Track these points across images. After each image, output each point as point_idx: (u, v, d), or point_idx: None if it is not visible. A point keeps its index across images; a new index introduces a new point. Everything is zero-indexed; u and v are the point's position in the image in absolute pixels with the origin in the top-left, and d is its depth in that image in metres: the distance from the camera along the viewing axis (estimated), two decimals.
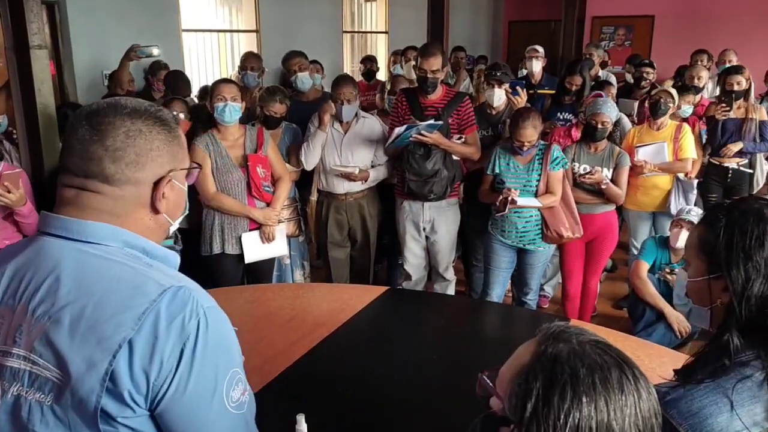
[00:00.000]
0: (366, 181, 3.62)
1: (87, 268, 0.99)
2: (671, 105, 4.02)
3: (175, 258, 1.12)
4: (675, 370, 1.18)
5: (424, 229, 3.68)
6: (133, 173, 1.04)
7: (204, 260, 3.32)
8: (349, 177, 3.57)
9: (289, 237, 3.65)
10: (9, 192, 2.68)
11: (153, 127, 1.05)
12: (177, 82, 4.53)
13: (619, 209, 4.26)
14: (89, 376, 0.93)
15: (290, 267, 3.83)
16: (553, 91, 4.74)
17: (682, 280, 1.29)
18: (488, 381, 0.89)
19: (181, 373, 0.95)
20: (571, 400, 0.76)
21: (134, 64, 4.75)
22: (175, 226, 1.16)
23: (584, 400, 0.76)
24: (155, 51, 4.32)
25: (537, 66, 5.16)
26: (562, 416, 0.76)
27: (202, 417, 0.99)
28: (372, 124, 3.69)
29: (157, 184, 1.06)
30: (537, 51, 5.20)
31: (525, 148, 3.27)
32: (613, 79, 5.91)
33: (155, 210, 1.08)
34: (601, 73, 6.14)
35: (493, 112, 3.87)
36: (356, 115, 3.64)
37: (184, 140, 1.14)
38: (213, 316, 1.00)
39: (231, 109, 3.15)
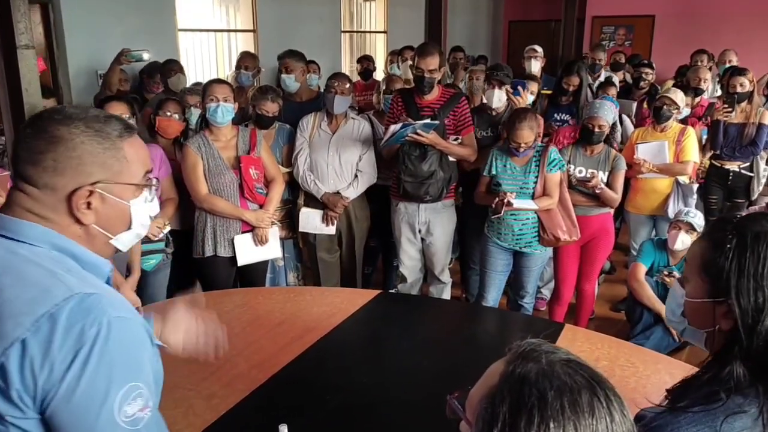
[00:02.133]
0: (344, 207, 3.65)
1: (7, 266, 1.01)
2: (675, 111, 3.98)
3: (107, 267, 1.12)
4: (667, 390, 1.13)
5: (419, 230, 3.63)
6: (50, 179, 1.04)
7: (196, 263, 3.28)
8: (334, 209, 3.60)
9: (282, 239, 3.62)
10: None
11: (80, 136, 1.04)
12: (171, 67, 4.53)
13: (620, 211, 4.22)
14: None
15: (284, 269, 3.80)
16: (551, 91, 4.70)
17: (678, 297, 1.19)
18: (457, 404, 0.84)
19: (70, 380, 0.94)
20: (538, 426, 0.72)
21: (131, 65, 4.73)
22: (120, 243, 1.14)
23: (552, 425, 0.71)
24: (145, 55, 4.31)
25: (536, 66, 5.12)
26: None
27: (88, 427, 0.97)
28: (361, 126, 3.65)
29: (74, 193, 1.05)
30: (536, 51, 5.17)
31: (521, 150, 3.23)
32: (615, 80, 5.86)
33: (77, 220, 1.06)
34: (603, 75, 6.10)
35: (494, 113, 3.82)
36: (346, 114, 3.61)
37: (133, 153, 1.10)
38: (118, 326, 0.99)
39: (223, 110, 3.12)
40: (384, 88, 4.37)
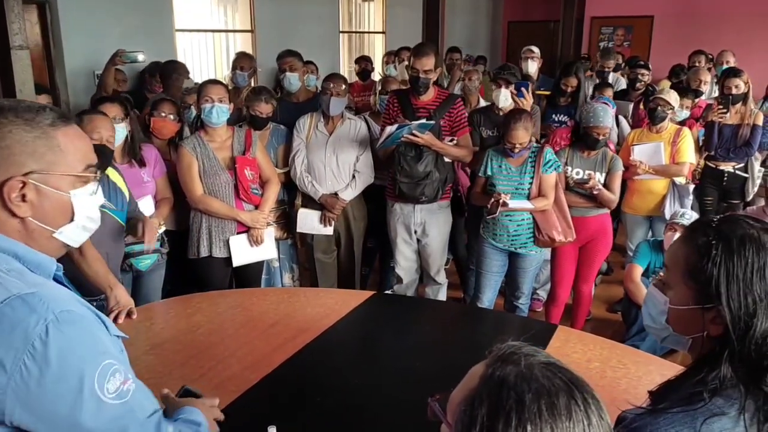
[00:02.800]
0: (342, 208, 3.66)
1: None
2: (669, 112, 3.98)
3: (51, 265, 1.10)
4: (650, 392, 1.12)
5: (415, 231, 3.63)
6: None
7: (191, 263, 3.28)
8: (333, 210, 3.61)
9: (278, 240, 3.62)
10: None
11: (8, 125, 1.01)
12: (178, 69, 4.50)
13: (617, 212, 4.22)
14: None
15: (279, 270, 3.80)
16: (549, 92, 4.70)
17: (660, 304, 1.15)
18: (438, 407, 0.84)
19: (34, 379, 0.93)
20: (515, 428, 0.72)
21: (131, 65, 4.72)
22: (65, 237, 1.11)
23: (529, 428, 0.71)
24: (140, 57, 4.30)
25: (533, 67, 5.12)
26: None
27: (75, 414, 0.97)
28: (358, 126, 3.65)
29: (4, 184, 1.01)
30: (533, 52, 5.17)
31: (516, 150, 3.23)
32: (622, 83, 5.85)
33: (13, 213, 1.03)
34: (611, 77, 6.09)
35: (500, 113, 3.81)
36: (343, 115, 3.61)
37: (69, 144, 1.07)
38: (65, 318, 0.98)
39: (218, 111, 3.12)
40: (380, 89, 4.37)
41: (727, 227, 1.07)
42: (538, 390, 0.74)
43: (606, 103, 3.79)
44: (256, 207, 3.28)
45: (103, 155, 2.59)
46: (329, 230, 3.68)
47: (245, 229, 3.26)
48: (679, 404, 1.01)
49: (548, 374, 0.76)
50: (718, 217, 1.13)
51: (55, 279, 1.12)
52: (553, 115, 4.46)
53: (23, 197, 1.02)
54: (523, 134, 3.19)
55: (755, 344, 1.02)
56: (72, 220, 1.10)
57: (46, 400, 0.95)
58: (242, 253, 3.28)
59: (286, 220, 3.66)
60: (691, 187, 4.07)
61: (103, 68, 4.40)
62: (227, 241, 3.23)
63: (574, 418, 0.73)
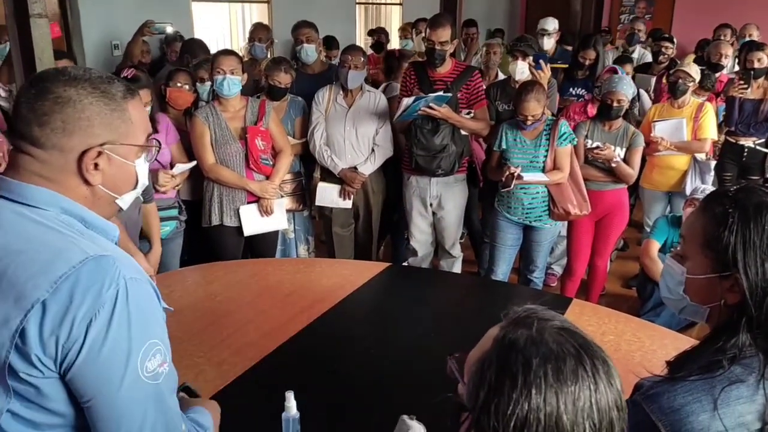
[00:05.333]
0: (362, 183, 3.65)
1: (18, 229, 1.02)
2: (690, 84, 3.91)
3: (114, 231, 1.13)
4: (667, 362, 1.13)
5: (431, 204, 3.63)
6: (59, 140, 1.03)
7: (205, 232, 3.31)
8: (352, 184, 3.61)
9: (293, 211, 3.63)
10: None
11: (88, 97, 1.04)
12: (193, 48, 4.48)
13: (635, 188, 4.19)
14: (2, 331, 0.96)
15: (294, 241, 3.82)
16: (566, 65, 4.63)
17: (677, 275, 1.16)
18: (456, 365, 0.86)
19: (93, 341, 0.96)
20: (520, 391, 0.73)
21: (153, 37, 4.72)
22: (124, 202, 1.15)
23: (533, 391, 0.73)
24: (169, 29, 4.31)
25: (549, 43, 5.03)
26: (511, 406, 0.73)
27: (115, 383, 0.99)
28: (377, 98, 3.63)
29: (84, 154, 1.05)
30: (546, 29, 5.07)
31: (529, 122, 3.19)
32: (648, 57, 5.76)
33: (86, 181, 1.07)
34: (637, 51, 6.00)
35: (516, 86, 3.76)
36: (362, 88, 3.59)
37: (137, 115, 1.11)
38: (134, 287, 1.01)
39: (230, 82, 3.12)
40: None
41: (743, 196, 1.08)
42: (546, 354, 0.75)
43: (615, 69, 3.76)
44: (267, 177, 3.29)
45: None
46: (348, 204, 3.70)
47: (256, 198, 3.28)
48: (698, 372, 1.02)
49: (559, 339, 0.77)
50: (734, 187, 1.13)
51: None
52: (571, 89, 4.40)
53: (96, 166, 1.06)
54: (535, 106, 3.15)
55: None
56: (135, 187, 1.15)
57: (98, 362, 0.98)
58: (253, 222, 3.31)
59: (301, 192, 3.67)
60: (713, 163, 4.02)
61: (132, 38, 4.38)
62: (238, 210, 3.25)
63: (580, 383, 0.74)
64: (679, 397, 1.01)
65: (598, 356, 0.77)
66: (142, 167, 1.15)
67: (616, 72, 3.71)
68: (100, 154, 1.06)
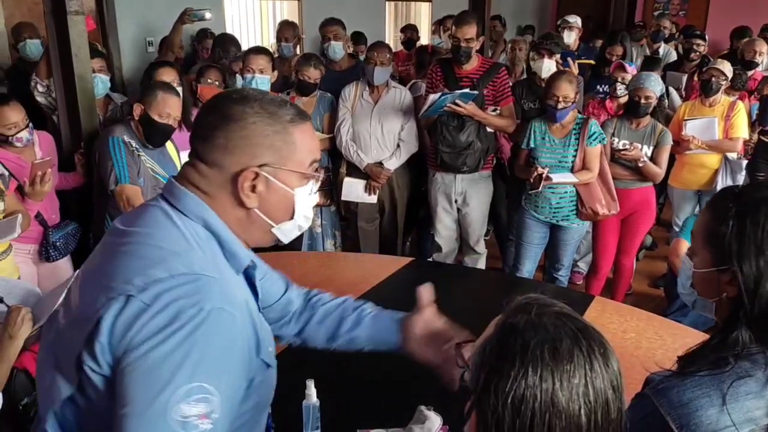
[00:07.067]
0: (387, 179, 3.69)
1: (154, 222, 1.04)
2: (723, 83, 3.85)
3: (246, 259, 1.09)
4: (678, 357, 1.14)
5: (455, 201, 3.65)
6: (219, 156, 1.04)
7: None
8: (377, 179, 3.65)
9: (320, 206, 3.68)
10: (43, 181, 2.54)
11: (253, 116, 1.03)
12: (225, 43, 4.55)
13: (663, 186, 4.14)
14: (88, 310, 0.97)
15: (321, 236, 3.86)
16: (592, 62, 4.59)
17: (687, 270, 1.21)
18: (462, 353, 0.89)
19: (147, 348, 0.91)
20: (518, 370, 0.76)
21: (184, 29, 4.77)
22: (281, 233, 1.11)
23: (530, 370, 0.76)
24: (207, 15, 4.29)
25: (571, 37, 4.99)
26: (509, 385, 0.76)
27: (138, 406, 0.89)
28: (403, 95, 3.66)
29: (240, 174, 1.03)
30: (568, 22, 5.03)
31: (560, 107, 3.14)
32: (672, 55, 5.68)
33: (241, 203, 1.05)
34: (662, 48, 5.92)
35: (543, 84, 3.75)
36: (388, 84, 3.62)
37: (303, 140, 1.07)
38: (218, 318, 0.95)
39: (258, 82, 3.18)
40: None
41: (748, 192, 1.11)
42: (543, 336, 0.78)
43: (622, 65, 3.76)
44: None
45: (165, 134, 2.71)
46: (373, 199, 3.74)
47: None
48: (707, 368, 1.03)
49: (557, 323, 0.80)
50: (745, 185, 1.15)
51: (246, 274, 1.12)
52: (597, 86, 4.36)
53: (253, 188, 1.04)
54: (567, 86, 3.11)
55: (765, 303, 1.05)
56: (292, 217, 1.11)
57: (136, 373, 0.91)
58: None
59: (329, 186, 3.72)
60: (744, 162, 3.95)
61: (172, 28, 4.41)
62: None
63: (575, 362, 0.76)
64: (688, 391, 1.02)
65: (596, 339, 0.80)
66: (302, 197, 1.10)
67: (623, 67, 3.67)
68: (257, 176, 1.04)
